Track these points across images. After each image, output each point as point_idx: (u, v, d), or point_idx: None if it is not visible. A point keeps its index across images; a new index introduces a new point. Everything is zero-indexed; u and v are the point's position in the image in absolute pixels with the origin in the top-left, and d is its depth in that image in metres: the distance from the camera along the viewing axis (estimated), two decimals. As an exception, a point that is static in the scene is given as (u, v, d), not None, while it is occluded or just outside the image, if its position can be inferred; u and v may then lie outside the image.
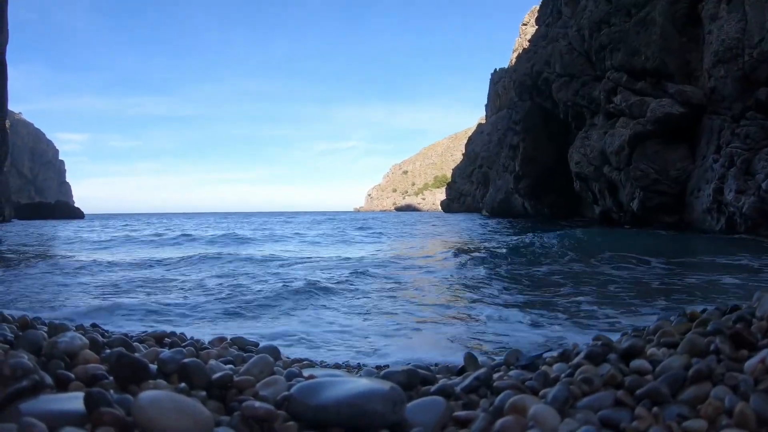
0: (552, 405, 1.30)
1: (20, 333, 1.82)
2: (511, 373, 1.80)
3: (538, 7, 48.88)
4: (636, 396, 1.35)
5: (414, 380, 1.68)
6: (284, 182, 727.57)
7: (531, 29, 64.00)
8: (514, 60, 64.96)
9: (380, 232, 26.62)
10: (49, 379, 1.35)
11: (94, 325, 2.86)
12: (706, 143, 19.80)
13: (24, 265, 11.47)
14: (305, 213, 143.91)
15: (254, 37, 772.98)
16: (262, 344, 2.70)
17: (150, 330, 2.95)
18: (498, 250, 13.59)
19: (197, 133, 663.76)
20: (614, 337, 1.95)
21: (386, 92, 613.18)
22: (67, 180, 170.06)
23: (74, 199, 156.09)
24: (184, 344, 2.31)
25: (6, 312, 2.20)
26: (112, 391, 1.29)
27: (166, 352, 1.70)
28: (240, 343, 2.63)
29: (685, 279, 8.12)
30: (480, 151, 75.51)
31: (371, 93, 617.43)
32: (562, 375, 1.60)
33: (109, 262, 12.08)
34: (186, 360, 1.56)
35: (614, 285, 7.64)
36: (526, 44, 55.04)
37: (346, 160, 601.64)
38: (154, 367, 1.54)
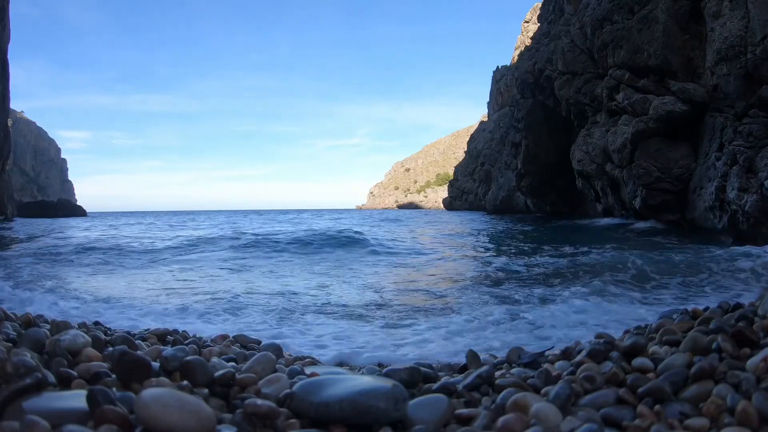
0: (554, 403, 1.30)
1: (23, 331, 1.82)
2: (513, 370, 1.81)
3: (540, 5, 48.85)
4: (638, 394, 1.35)
5: (416, 378, 1.69)
6: (287, 179, 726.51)
7: (533, 27, 63.96)
8: (516, 57, 64.88)
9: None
10: (51, 377, 1.36)
11: (96, 323, 2.86)
12: (708, 141, 19.76)
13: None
14: (312, 210, 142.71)
15: (258, 33, 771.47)
16: (265, 342, 2.71)
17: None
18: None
19: (201, 130, 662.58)
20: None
21: (390, 89, 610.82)
22: (70, 178, 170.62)
23: (76, 197, 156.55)
24: (186, 342, 2.32)
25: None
26: (114, 389, 1.30)
27: (168, 350, 1.71)
28: (242, 341, 2.63)
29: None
30: (482, 148, 75.46)
31: (375, 89, 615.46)
32: (564, 373, 1.60)
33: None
34: (188, 358, 1.56)
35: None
36: (528, 42, 55.00)
37: (349, 157, 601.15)
38: (156, 364, 1.55)
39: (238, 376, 1.53)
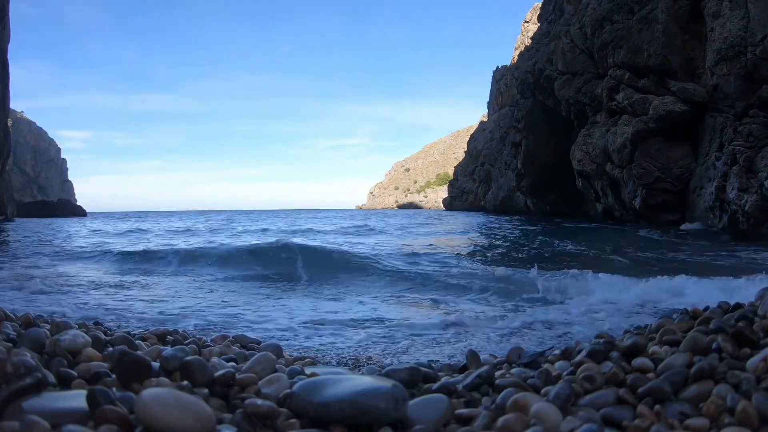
0: (554, 403, 1.30)
1: (23, 331, 1.83)
2: (513, 370, 1.81)
3: (540, 5, 48.87)
4: (638, 394, 1.35)
5: (416, 378, 1.69)
6: (287, 179, 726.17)
7: (533, 27, 63.94)
8: (516, 57, 64.86)
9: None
10: (51, 377, 1.36)
11: (96, 323, 2.86)
12: (708, 141, 19.77)
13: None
14: (312, 210, 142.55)
15: (258, 33, 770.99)
16: (265, 342, 2.71)
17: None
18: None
19: (201, 130, 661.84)
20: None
21: (390, 89, 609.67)
22: (70, 178, 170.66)
23: (76, 197, 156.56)
24: (186, 342, 2.32)
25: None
26: (114, 389, 1.30)
27: (168, 350, 1.71)
28: (242, 341, 2.63)
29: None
30: (482, 148, 75.42)
31: (375, 89, 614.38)
32: (564, 373, 1.60)
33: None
34: (188, 358, 1.57)
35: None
36: (528, 42, 54.99)
37: (349, 157, 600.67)
38: (156, 364, 1.55)
39: (238, 376, 1.53)
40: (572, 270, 7.49)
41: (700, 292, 5.74)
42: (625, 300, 5.74)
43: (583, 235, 19.05)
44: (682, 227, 19.23)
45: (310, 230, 24.49)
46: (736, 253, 11.01)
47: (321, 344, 3.83)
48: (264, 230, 24.90)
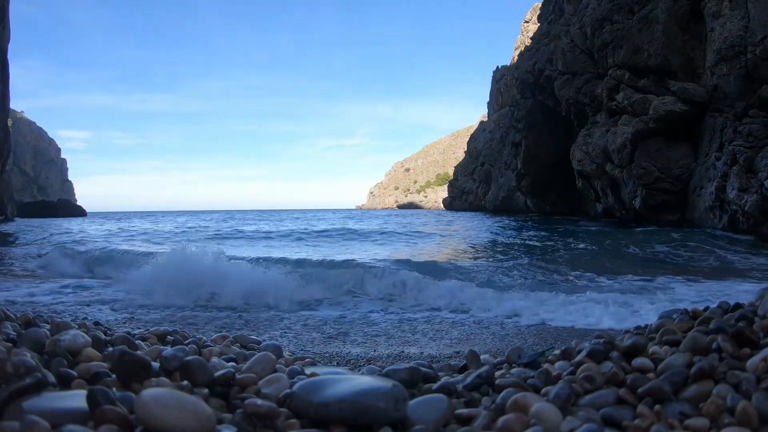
0: (554, 403, 1.30)
1: (23, 331, 1.82)
2: (513, 370, 1.80)
3: (540, 5, 48.87)
4: (638, 394, 1.35)
5: (416, 378, 1.69)
6: (287, 179, 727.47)
7: (533, 27, 63.94)
8: (516, 57, 64.84)
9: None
10: (51, 377, 1.36)
11: (96, 323, 2.86)
12: (708, 141, 19.76)
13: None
14: (315, 210, 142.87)
15: (259, 32, 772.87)
16: (265, 342, 2.71)
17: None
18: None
19: (202, 130, 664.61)
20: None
21: (391, 89, 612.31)
22: (69, 178, 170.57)
23: (76, 197, 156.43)
24: (186, 342, 2.32)
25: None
26: (114, 389, 1.29)
27: (168, 350, 1.71)
28: (242, 341, 2.63)
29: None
30: (482, 148, 75.31)
31: (376, 89, 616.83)
32: (564, 373, 1.60)
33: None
34: (188, 358, 1.56)
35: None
36: (528, 42, 54.98)
37: (349, 157, 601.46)
38: (156, 364, 1.54)
39: (238, 376, 1.53)
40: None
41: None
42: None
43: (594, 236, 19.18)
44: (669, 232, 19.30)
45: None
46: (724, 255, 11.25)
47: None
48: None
